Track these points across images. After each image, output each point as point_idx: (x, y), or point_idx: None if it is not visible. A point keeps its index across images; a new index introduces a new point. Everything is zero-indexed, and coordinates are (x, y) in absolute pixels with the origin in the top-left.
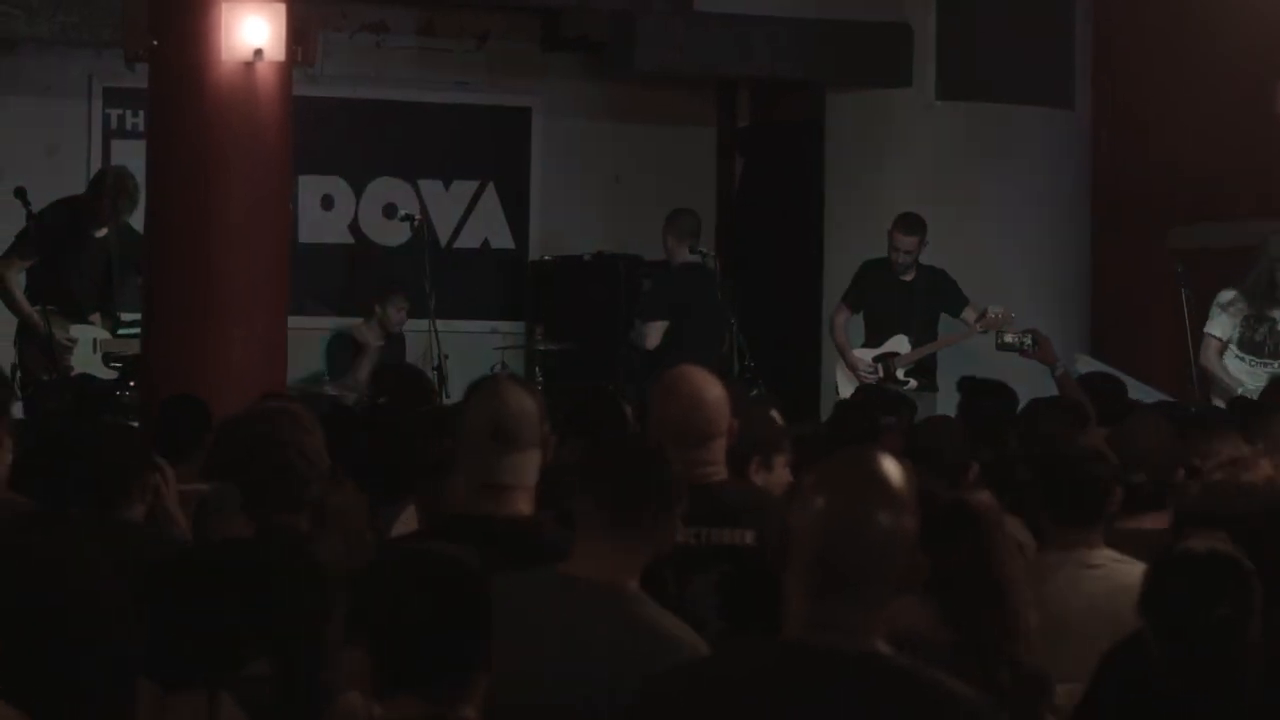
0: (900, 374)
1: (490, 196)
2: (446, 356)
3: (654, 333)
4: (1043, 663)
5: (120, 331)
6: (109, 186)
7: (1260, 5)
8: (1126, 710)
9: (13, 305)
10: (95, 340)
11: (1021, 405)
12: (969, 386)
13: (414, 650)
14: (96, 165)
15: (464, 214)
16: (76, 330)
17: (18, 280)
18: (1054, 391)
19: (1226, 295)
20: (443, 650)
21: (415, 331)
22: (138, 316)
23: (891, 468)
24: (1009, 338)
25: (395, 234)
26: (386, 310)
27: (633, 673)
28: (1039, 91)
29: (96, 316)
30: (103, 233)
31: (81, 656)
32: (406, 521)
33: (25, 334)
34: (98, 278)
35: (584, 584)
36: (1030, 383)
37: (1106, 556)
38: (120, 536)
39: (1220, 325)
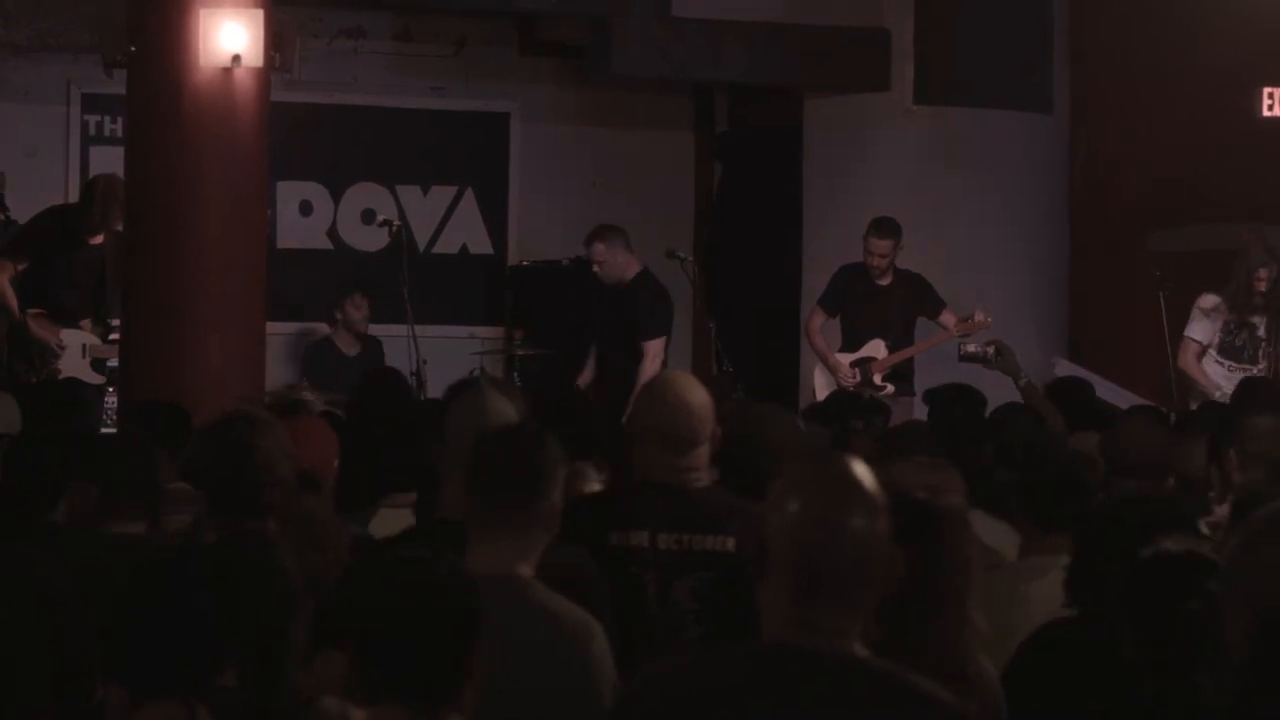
0: (878, 378)
1: (468, 202)
2: (425, 362)
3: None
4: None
5: (110, 338)
6: (99, 194)
7: (1240, 7)
8: (1056, 691)
9: (1, 308)
10: (84, 345)
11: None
12: (935, 395)
13: (398, 657)
14: (76, 171)
15: (442, 219)
16: (66, 335)
17: (8, 284)
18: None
19: (1209, 300)
20: (426, 657)
21: (393, 337)
22: None
23: (862, 470)
24: (972, 348)
25: (373, 239)
26: (346, 312)
27: (526, 657)
28: (1017, 95)
29: (87, 322)
30: (98, 240)
31: (40, 671)
32: (381, 525)
33: (14, 337)
34: (90, 285)
35: (473, 575)
36: (1011, 387)
37: None
38: (79, 547)
39: (1201, 329)
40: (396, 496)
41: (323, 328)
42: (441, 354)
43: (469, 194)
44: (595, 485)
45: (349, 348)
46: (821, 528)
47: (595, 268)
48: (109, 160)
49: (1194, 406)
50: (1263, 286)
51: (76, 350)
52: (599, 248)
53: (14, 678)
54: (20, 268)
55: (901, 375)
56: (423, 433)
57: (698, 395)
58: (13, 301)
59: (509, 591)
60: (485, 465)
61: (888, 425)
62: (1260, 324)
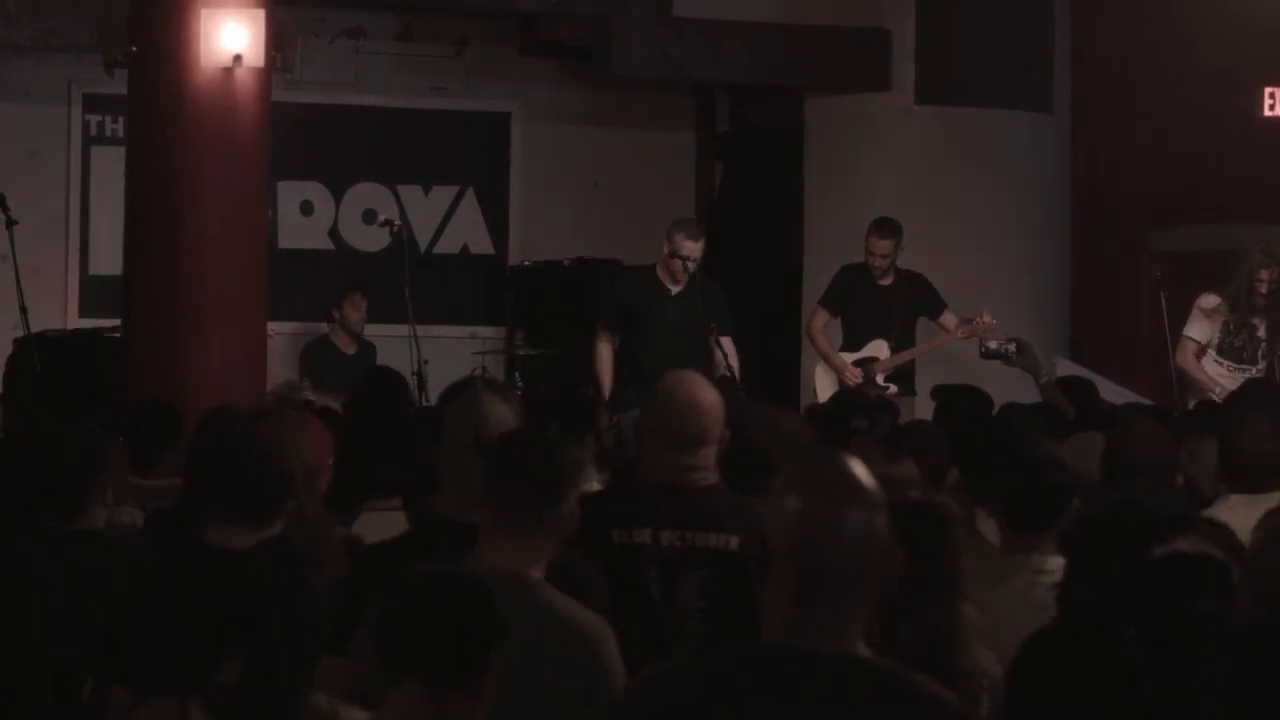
0: (880, 378)
1: (469, 202)
2: (426, 362)
3: None
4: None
5: None
6: None
7: (1240, 7)
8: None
9: None
10: None
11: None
12: (943, 391)
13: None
14: (77, 171)
15: (443, 219)
16: None
17: None
18: (1037, 397)
19: (1209, 300)
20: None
21: (394, 337)
22: None
23: (860, 468)
24: (993, 344)
25: (375, 239)
26: (345, 311)
27: (539, 658)
28: (1018, 95)
29: None
30: None
31: (37, 670)
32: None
33: None
34: None
35: (487, 574)
36: (1012, 388)
37: (1062, 565)
38: (77, 547)
39: (1200, 329)
40: (379, 500)
41: (323, 328)
42: (442, 354)
43: (470, 194)
44: (595, 485)
45: (348, 347)
46: (820, 527)
47: (691, 264)
48: (110, 160)
49: (1192, 405)
50: (1264, 288)
51: None
52: (703, 243)
53: (13, 677)
54: None
55: (903, 376)
56: (418, 434)
57: (708, 395)
58: None
59: (521, 593)
60: (503, 468)
61: (891, 425)
62: (1261, 325)
